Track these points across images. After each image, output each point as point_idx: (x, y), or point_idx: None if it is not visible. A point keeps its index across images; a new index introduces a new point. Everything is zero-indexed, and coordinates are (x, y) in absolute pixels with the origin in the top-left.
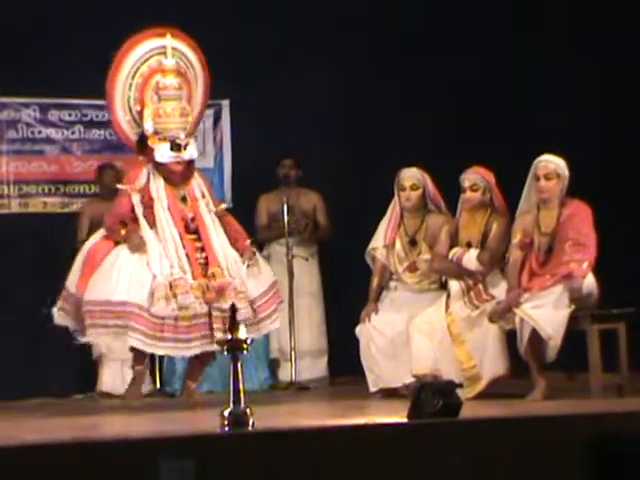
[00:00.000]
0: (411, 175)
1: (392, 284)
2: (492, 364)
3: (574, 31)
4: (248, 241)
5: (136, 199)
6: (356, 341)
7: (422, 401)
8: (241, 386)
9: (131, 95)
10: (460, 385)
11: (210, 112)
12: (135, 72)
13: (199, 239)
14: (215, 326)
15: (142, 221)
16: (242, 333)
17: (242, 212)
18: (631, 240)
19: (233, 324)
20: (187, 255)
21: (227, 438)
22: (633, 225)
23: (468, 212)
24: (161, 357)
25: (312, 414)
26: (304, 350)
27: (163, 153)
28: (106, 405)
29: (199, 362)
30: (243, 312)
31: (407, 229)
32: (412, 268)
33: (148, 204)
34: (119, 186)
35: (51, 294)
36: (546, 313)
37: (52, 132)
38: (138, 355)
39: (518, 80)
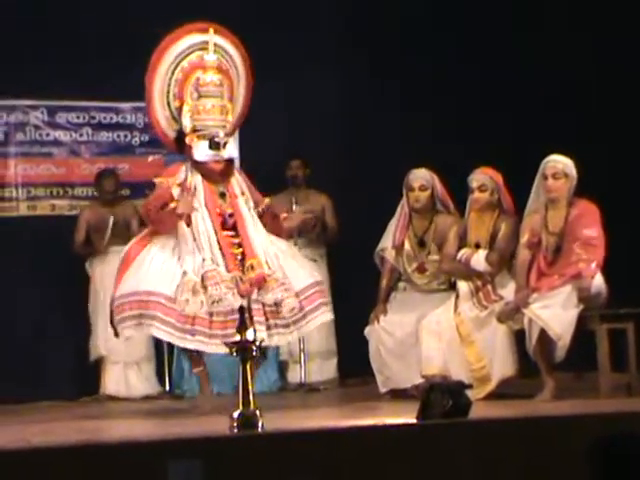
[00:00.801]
0: (420, 176)
1: (401, 285)
2: (501, 364)
3: (576, 30)
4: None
5: (176, 192)
6: (365, 342)
7: (431, 402)
8: (250, 388)
9: (170, 91)
10: (469, 386)
11: None
12: (175, 67)
13: (237, 235)
14: (256, 319)
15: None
16: (250, 334)
17: None
18: (639, 239)
19: (242, 324)
20: (221, 250)
21: (236, 440)
22: None
23: (476, 213)
24: (170, 359)
25: (322, 416)
26: (313, 352)
27: (201, 151)
28: (112, 408)
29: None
30: (289, 302)
31: (416, 230)
32: (421, 269)
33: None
34: (156, 179)
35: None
36: (555, 313)
37: (60, 134)
38: (194, 358)
39: (526, 79)
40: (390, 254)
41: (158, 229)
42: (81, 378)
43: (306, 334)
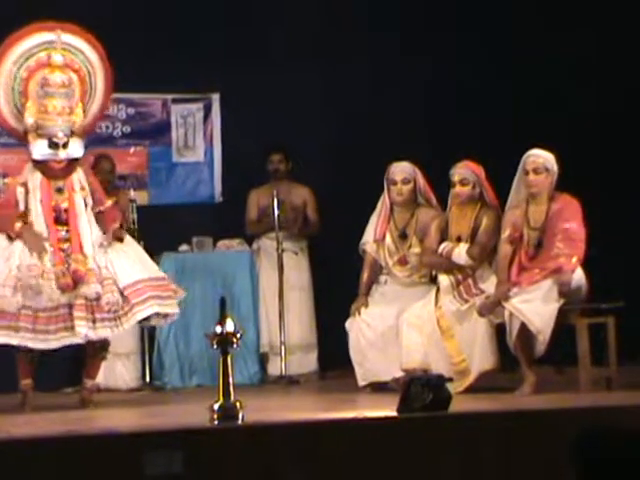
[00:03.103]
0: (402, 169)
1: (382, 278)
2: (481, 358)
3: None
4: (117, 225)
5: (20, 191)
6: (346, 335)
7: (412, 395)
8: (231, 380)
9: (15, 87)
10: (450, 379)
11: (200, 106)
12: (21, 65)
13: (68, 230)
14: (76, 314)
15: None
16: (230, 326)
17: (232, 206)
18: (620, 235)
19: (223, 317)
20: (51, 245)
21: (216, 431)
22: (622, 219)
23: (458, 206)
24: (151, 350)
25: (302, 408)
26: (294, 344)
27: (39, 150)
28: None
29: (92, 358)
30: (107, 297)
31: (397, 223)
32: (402, 262)
33: (27, 197)
34: (5, 180)
35: None
36: (535, 307)
37: None
38: (25, 369)
39: (508, 75)
40: (371, 247)
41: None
42: (65, 369)
43: (132, 326)
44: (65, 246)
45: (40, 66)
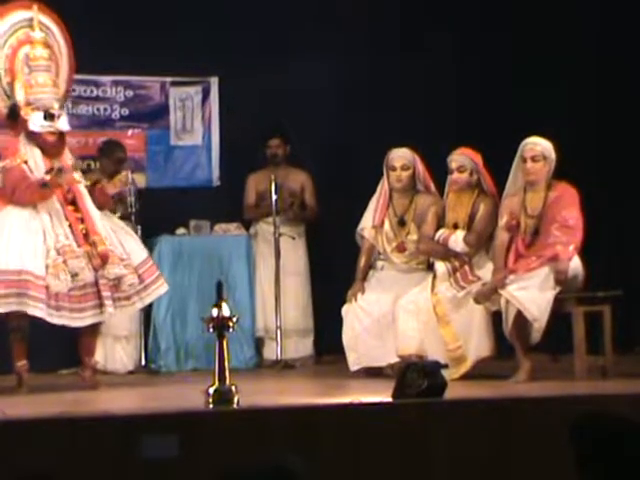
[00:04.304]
0: (402, 155)
1: (379, 264)
2: (477, 345)
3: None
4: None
5: (26, 169)
6: (342, 320)
7: (407, 381)
8: (226, 364)
9: (1, 66)
10: (445, 366)
11: (198, 89)
12: (4, 44)
13: (78, 210)
14: (104, 294)
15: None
16: (226, 310)
17: (230, 190)
18: (617, 223)
19: (219, 301)
20: (70, 226)
21: (211, 415)
22: (619, 208)
23: (455, 193)
24: (147, 334)
25: (297, 392)
26: (290, 329)
27: (36, 122)
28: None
29: (89, 335)
30: (129, 278)
31: (396, 209)
32: (400, 248)
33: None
34: (4, 163)
35: None
36: (531, 295)
37: None
38: (19, 349)
39: (507, 61)
40: (369, 233)
41: (21, 203)
42: (61, 350)
43: (145, 304)
44: (81, 226)
45: (21, 43)
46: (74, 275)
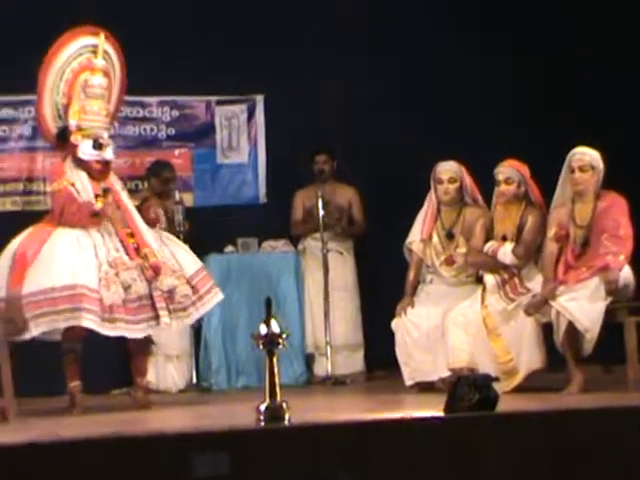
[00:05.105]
0: (449, 168)
1: (428, 277)
2: (529, 358)
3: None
4: None
5: (74, 191)
6: (392, 335)
7: (458, 395)
8: (277, 381)
9: (59, 88)
10: (497, 379)
11: (244, 107)
12: (67, 67)
13: (127, 226)
14: (159, 305)
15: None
16: (276, 327)
17: (277, 207)
18: None
19: (268, 318)
20: (121, 241)
21: (263, 432)
22: None
23: (503, 205)
24: (197, 352)
25: (348, 408)
26: (340, 345)
27: (85, 150)
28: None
29: (140, 355)
30: (181, 289)
31: (444, 222)
32: (449, 261)
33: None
34: (53, 186)
35: None
36: (582, 306)
37: None
38: (72, 370)
39: (552, 72)
40: (418, 246)
41: (70, 224)
42: (112, 370)
43: (202, 314)
44: (131, 241)
45: (83, 69)
46: (127, 287)
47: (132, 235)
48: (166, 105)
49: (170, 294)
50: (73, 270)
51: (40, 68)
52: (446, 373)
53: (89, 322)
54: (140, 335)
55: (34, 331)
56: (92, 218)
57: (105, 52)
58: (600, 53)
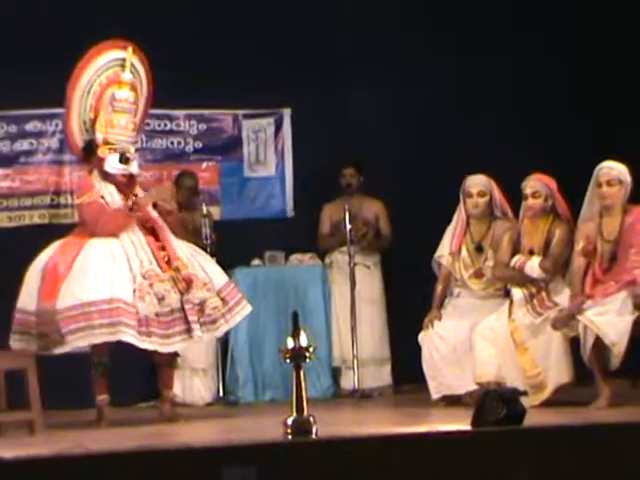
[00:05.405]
0: (478, 182)
1: (456, 291)
2: (557, 372)
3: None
4: None
5: (104, 203)
6: (419, 349)
7: (486, 409)
8: (304, 394)
9: (88, 102)
10: (524, 393)
11: (271, 120)
12: (95, 80)
13: (157, 239)
14: (191, 318)
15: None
16: (303, 340)
17: (304, 221)
18: None
19: (295, 331)
20: (153, 253)
21: (290, 446)
22: None
23: (530, 219)
24: (224, 365)
25: (375, 422)
26: (367, 358)
27: (112, 164)
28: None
29: (167, 368)
30: (212, 302)
31: (473, 235)
32: (478, 274)
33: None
34: (82, 199)
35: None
36: (610, 320)
37: None
38: (100, 384)
39: (579, 86)
40: (447, 260)
41: (107, 231)
42: (139, 384)
43: (232, 326)
44: (162, 253)
45: (110, 83)
46: (160, 299)
47: (163, 248)
48: (193, 118)
49: (201, 307)
50: (109, 283)
51: (68, 82)
52: (473, 387)
53: (129, 336)
54: (173, 349)
55: (70, 346)
56: (129, 219)
57: (132, 65)
58: (631, 68)
